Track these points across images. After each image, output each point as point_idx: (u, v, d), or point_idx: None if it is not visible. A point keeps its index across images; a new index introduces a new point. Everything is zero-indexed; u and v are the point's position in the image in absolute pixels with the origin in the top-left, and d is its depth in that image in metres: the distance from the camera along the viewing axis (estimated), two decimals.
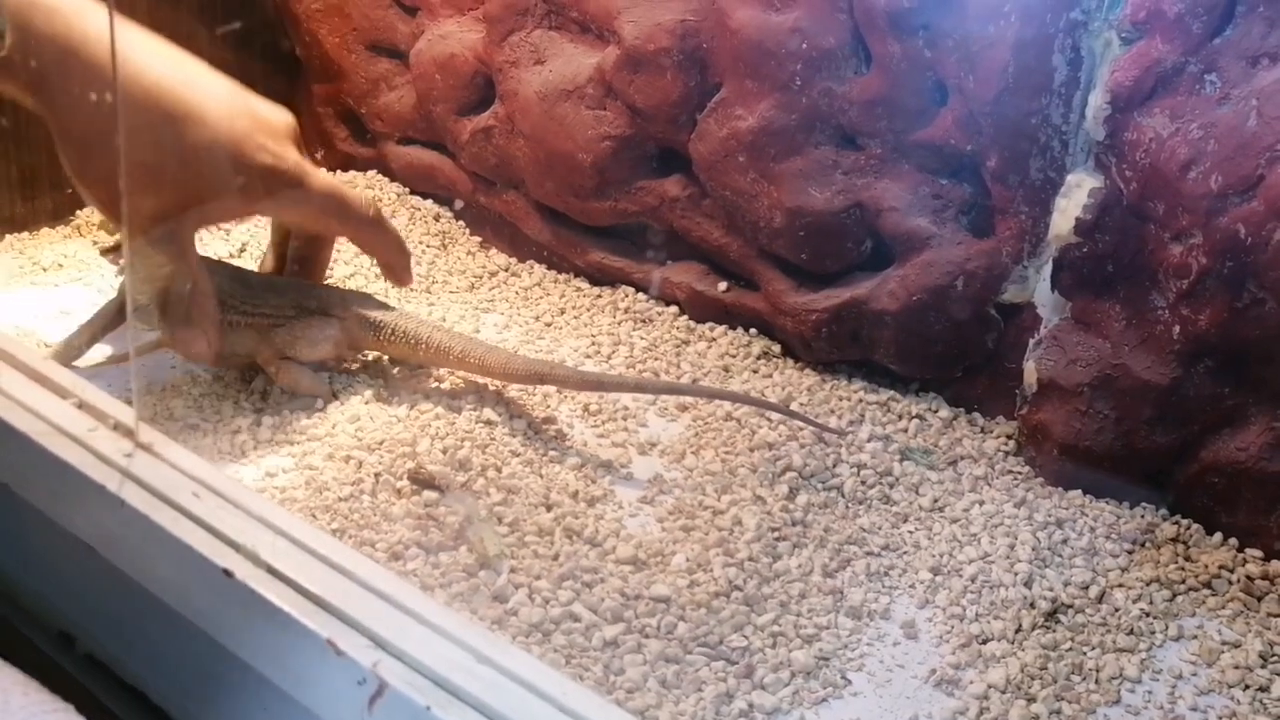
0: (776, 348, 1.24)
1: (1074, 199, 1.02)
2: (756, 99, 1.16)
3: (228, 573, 0.72)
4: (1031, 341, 1.09)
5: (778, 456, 1.06)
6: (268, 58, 1.55)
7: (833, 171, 1.16)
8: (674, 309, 1.30)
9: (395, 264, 1.16)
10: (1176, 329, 0.99)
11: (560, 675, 0.67)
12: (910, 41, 1.07)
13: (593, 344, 1.24)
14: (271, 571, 0.73)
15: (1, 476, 0.88)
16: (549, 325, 1.28)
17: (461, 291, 1.33)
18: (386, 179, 1.52)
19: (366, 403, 1.08)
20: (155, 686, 0.83)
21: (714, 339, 1.26)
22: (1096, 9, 0.99)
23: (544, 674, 0.66)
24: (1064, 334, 1.06)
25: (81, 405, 0.88)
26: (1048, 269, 1.07)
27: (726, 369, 1.21)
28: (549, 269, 1.39)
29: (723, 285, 1.27)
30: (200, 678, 0.79)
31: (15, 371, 0.91)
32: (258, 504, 0.78)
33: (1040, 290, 1.09)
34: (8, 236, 1.34)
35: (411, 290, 1.29)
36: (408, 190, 1.51)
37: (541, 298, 1.33)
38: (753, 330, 1.26)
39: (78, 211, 1.37)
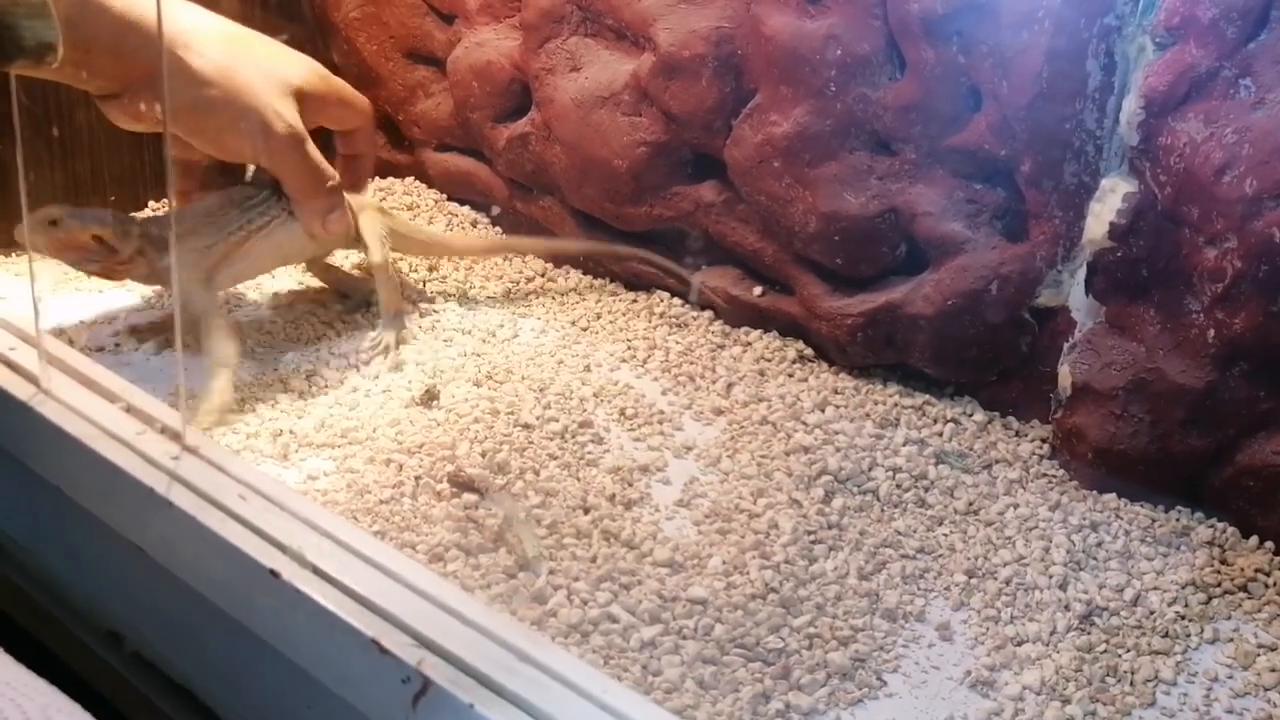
0: (811, 352, 1.25)
1: (1108, 203, 1.02)
2: (791, 105, 1.16)
3: (274, 573, 0.74)
4: (1066, 345, 1.10)
5: (813, 460, 1.07)
6: None
7: (867, 177, 1.16)
8: (709, 313, 1.31)
9: (367, 167, 1.33)
10: (1211, 333, 0.99)
11: (601, 674, 0.68)
12: (944, 48, 1.08)
13: (628, 348, 1.25)
14: (317, 572, 0.74)
15: (52, 479, 0.90)
16: (585, 330, 1.29)
17: (498, 297, 1.34)
18: (424, 185, 1.53)
19: (406, 406, 1.09)
20: (202, 685, 0.85)
21: (749, 343, 1.26)
22: (1130, 15, 1.00)
23: (585, 673, 0.67)
24: (1098, 338, 1.07)
25: (129, 409, 0.90)
26: (1082, 273, 1.07)
27: (762, 373, 1.21)
28: (585, 274, 1.40)
29: (758, 290, 1.27)
30: (246, 676, 0.80)
31: (65, 376, 0.93)
32: (303, 506, 0.79)
33: (1074, 294, 1.09)
34: None
35: (449, 296, 1.31)
36: (445, 196, 1.52)
37: (578, 302, 1.34)
38: (788, 335, 1.27)
39: None
